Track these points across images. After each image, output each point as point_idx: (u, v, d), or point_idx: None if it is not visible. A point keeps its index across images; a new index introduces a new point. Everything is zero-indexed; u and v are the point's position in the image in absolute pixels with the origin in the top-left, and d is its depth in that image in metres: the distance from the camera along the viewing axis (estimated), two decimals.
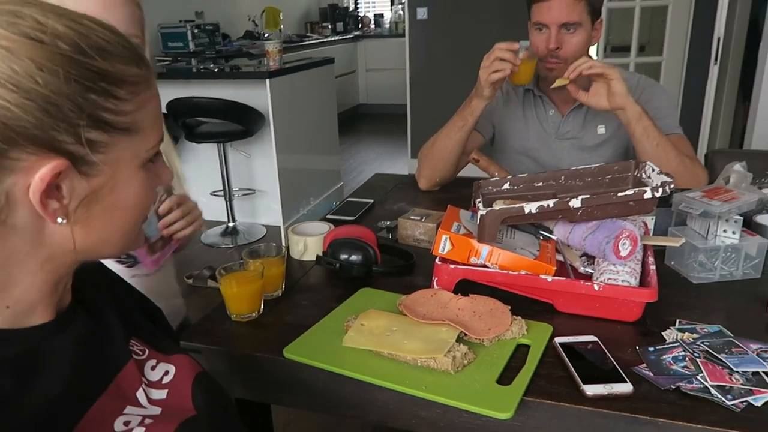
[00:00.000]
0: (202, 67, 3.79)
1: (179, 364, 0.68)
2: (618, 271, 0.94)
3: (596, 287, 0.92)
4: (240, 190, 3.65)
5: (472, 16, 4.23)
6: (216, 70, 3.59)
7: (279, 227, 3.60)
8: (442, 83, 4.40)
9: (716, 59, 3.33)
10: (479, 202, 1.02)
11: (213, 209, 3.60)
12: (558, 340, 0.87)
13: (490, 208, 0.97)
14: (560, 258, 1.06)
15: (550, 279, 0.95)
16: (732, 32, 3.74)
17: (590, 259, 1.06)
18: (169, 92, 3.20)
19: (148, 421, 0.58)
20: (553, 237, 1.06)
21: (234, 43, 5.21)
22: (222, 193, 3.54)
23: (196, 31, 4.57)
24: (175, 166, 1.16)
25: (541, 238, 1.07)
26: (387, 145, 5.87)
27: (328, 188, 4.13)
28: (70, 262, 0.56)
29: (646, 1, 3.89)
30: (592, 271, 1.02)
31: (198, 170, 3.62)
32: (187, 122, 3.29)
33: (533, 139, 1.65)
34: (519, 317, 0.91)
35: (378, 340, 0.85)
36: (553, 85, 1.42)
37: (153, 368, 0.66)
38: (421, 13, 4.37)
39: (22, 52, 0.47)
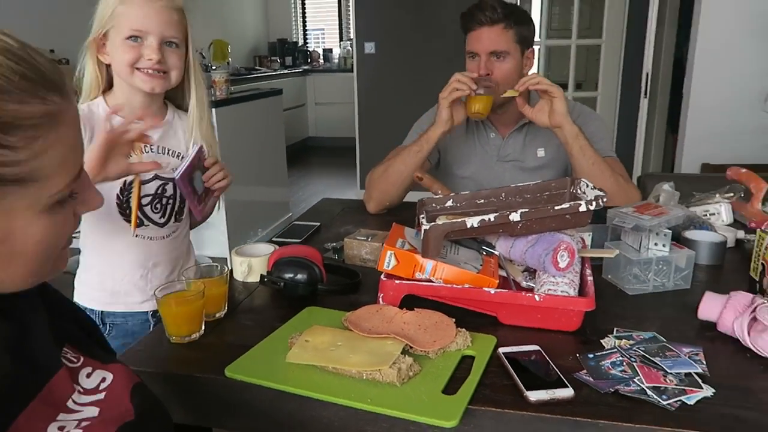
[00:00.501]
0: None
1: (117, 372, 0.65)
2: (557, 282, 0.97)
3: (537, 298, 0.94)
4: None
5: (418, 50, 4.36)
6: None
7: (226, 258, 3.52)
8: (389, 115, 4.47)
9: (645, 93, 3.53)
10: (423, 218, 1.04)
11: None
12: (502, 350, 0.88)
13: (433, 223, 0.99)
14: (503, 273, 1.08)
15: (492, 291, 0.96)
16: (659, 68, 3.99)
17: (532, 273, 1.09)
18: None
19: (85, 423, 0.56)
20: (496, 252, 1.09)
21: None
22: None
23: None
24: (208, 135, 1.28)
25: (484, 253, 1.09)
26: (336, 176, 5.89)
27: (276, 219, 4.10)
28: None
29: (581, 40, 4.11)
30: (534, 285, 1.04)
31: None
32: None
33: (476, 163, 1.69)
34: (463, 329, 0.92)
35: (322, 355, 0.84)
36: (504, 95, 1.50)
37: (89, 375, 0.63)
38: (369, 47, 4.47)
39: None
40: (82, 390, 0.61)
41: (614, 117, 4.19)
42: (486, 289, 0.97)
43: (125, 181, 1.17)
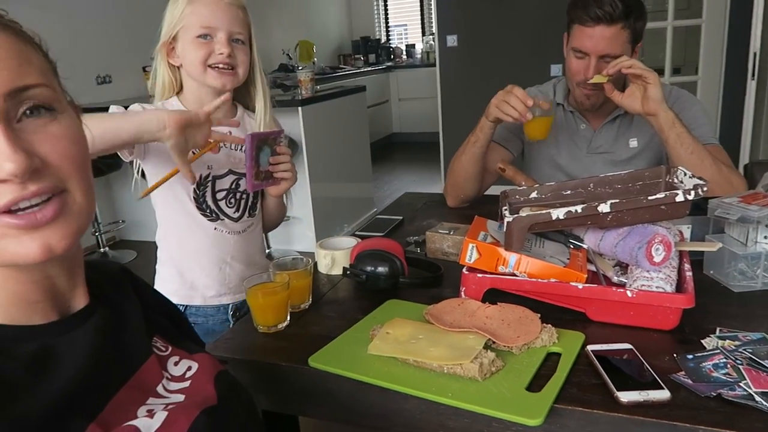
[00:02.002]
0: None
1: (202, 361, 0.69)
2: (652, 277, 0.91)
3: (629, 294, 0.89)
4: None
5: (501, 41, 4.26)
6: None
7: (313, 253, 3.61)
8: (473, 108, 4.38)
9: (753, 74, 3.25)
10: (506, 210, 1.01)
11: None
12: (591, 347, 0.84)
13: (516, 215, 0.96)
14: (592, 268, 1.03)
15: (580, 286, 0.92)
16: None
17: (624, 268, 1.03)
18: None
19: (171, 407, 0.59)
20: (584, 245, 1.04)
21: (269, 75, 5.34)
22: None
23: None
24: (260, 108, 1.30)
25: (572, 246, 1.04)
26: (420, 172, 5.88)
27: (361, 215, 4.15)
28: None
29: (679, 21, 3.85)
30: (626, 281, 0.99)
31: None
32: None
33: (564, 154, 1.63)
34: (549, 325, 0.88)
35: (403, 348, 0.84)
36: (591, 80, 1.41)
37: (176, 363, 0.67)
38: (451, 40, 4.43)
39: None
40: (170, 377, 0.65)
41: (717, 101, 3.89)
42: (573, 283, 0.93)
43: (200, 176, 1.22)
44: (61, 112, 0.54)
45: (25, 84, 0.50)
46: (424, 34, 7.60)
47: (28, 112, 0.51)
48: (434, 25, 4.57)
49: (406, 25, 7.83)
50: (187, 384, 0.65)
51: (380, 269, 1.07)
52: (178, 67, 1.23)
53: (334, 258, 1.20)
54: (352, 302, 1.09)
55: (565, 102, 1.62)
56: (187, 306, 1.28)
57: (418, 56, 7.48)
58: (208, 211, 1.26)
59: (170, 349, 0.68)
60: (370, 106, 6.37)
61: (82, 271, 0.62)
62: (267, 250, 3.63)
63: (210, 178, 1.25)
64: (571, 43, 1.48)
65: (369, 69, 6.79)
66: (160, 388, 0.63)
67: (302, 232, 3.69)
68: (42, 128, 0.52)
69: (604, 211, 0.93)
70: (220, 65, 1.18)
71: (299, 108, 3.26)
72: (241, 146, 1.27)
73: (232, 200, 1.29)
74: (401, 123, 7.38)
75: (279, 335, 0.97)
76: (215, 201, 1.26)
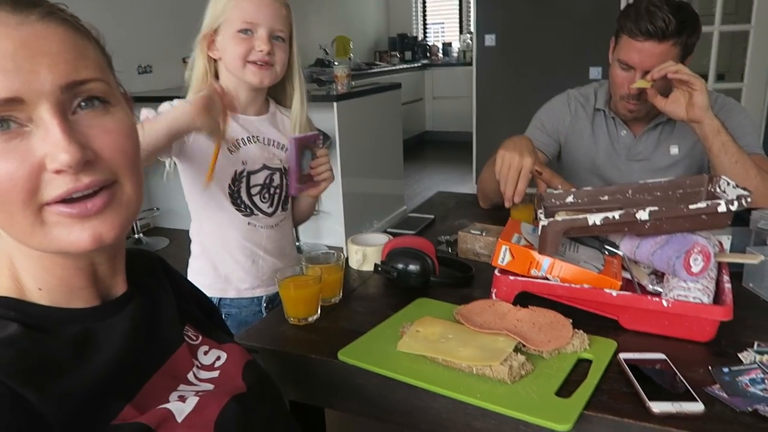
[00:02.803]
0: None
1: (231, 351, 0.70)
2: (689, 287, 0.89)
3: (665, 303, 0.87)
4: None
5: (540, 42, 4.20)
6: None
7: (342, 248, 3.64)
8: (508, 110, 4.37)
9: None
10: (541, 213, 1.00)
11: None
12: (623, 356, 0.82)
13: (552, 219, 0.95)
14: (627, 276, 1.01)
15: (614, 293, 0.91)
16: None
17: (659, 277, 1.01)
18: None
19: (201, 393, 0.60)
20: (619, 252, 1.02)
21: (305, 69, 5.38)
22: None
23: None
24: (308, 130, 1.31)
25: (606, 253, 1.03)
26: (452, 172, 5.86)
27: (391, 211, 4.16)
28: (28, 249, 0.54)
29: (726, 27, 3.74)
30: (662, 290, 0.97)
31: None
32: None
33: (602, 158, 1.60)
34: (581, 331, 0.87)
35: (433, 346, 0.84)
36: (634, 85, 1.38)
37: (206, 353, 0.69)
38: (489, 39, 4.39)
39: None
40: (200, 365, 0.66)
41: (763, 110, 3.78)
42: (607, 290, 0.91)
43: (236, 171, 1.24)
44: (115, 105, 0.56)
45: (82, 78, 0.52)
46: (461, 32, 7.56)
47: (83, 104, 0.52)
48: (472, 23, 4.54)
49: (443, 23, 7.79)
50: (216, 374, 0.67)
51: (411, 267, 1.07)
52: (216, 60, 1.24)
53: (366, 254, 1.21)
54: (382, 299, 1.10)
55: (606, 108, 1.59)
56: (221, 298, 1.30)
57: (455, 54, 7.44)
58: (242, 206, 1.27)
59: (201, 338, 0.70)
60: (404, 104, 6.36)
61: (123, 259, 0.64)
62: (296, 243, 3.67)
63: (245, 174, 1.26)
64: (617, 53, 1.44)
65: (404, 66, 6.79)
66: (190, 376, 0.64)
67: (332, 227, 3.71)
68: (96, 121, 0.53)
69: (642, 219, 0.92)
70: (259, 61, 1.18)
71: (334, 103, 3.28)
72: (274, 141, 1.29)
73: (266, 195, 1.30)
74: (434, 121, 7.36)
75: (309, 328, 0.99)
76: (249, 196, 1.28)
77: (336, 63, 5.95)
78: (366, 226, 3.86)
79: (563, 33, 4.05)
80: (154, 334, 0.64)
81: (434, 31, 7.88)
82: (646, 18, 1.34)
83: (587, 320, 0.92)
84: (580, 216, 0.94)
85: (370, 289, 1.15)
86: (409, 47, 7.38)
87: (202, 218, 1.31)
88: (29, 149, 0.49)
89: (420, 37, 7.79)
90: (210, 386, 0.64)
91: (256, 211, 1.29)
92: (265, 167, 1.28)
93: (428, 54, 7.57)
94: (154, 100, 1.29)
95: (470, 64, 4.75)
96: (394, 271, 1.08)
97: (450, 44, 7.58)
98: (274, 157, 1.29)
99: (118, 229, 0.55)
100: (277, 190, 1.31)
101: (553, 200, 1.10)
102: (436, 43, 7.72)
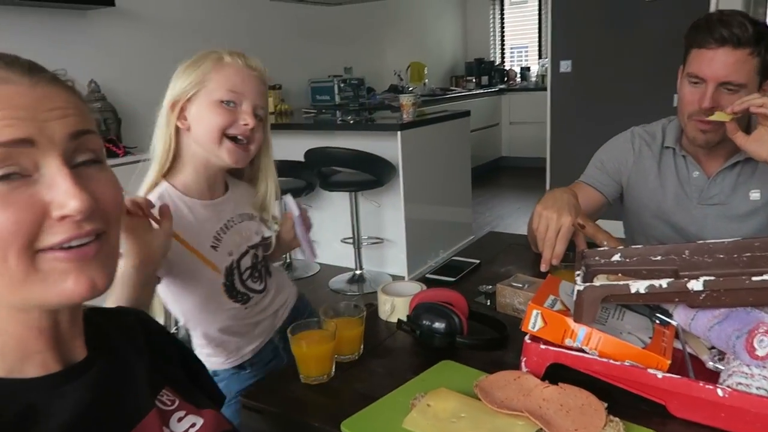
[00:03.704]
0: (340, 119, 3.96)
1: (208, 419, 0.66)
2: (752, 374, 0.76)
3: (720, 393, 0.74)
4: (369, 239, 3.70)
5: (618, 69, 3.99)
6: (352, 122, 3.73)
7: (404, 277, 3.57)
8: (582, 138, 4.16)
9: None
10: (579, 276, 0.89)
11: (342, 256, 3.70)
12: None
13: (589, 284, 0.84)
14: (679, 346, 0.88)
15: (660, 375, 0.78)
16: None
17: (722, 353, 0.87)
18: (309, 142, 3.37)
19: None
20: (673, 322, 0.89)
21: (378, 96, 5.41)
22: (351, 241, 3.61)
23: (342, 85, 4.82)
24: (269, 187, 1.25)
25: (657, 321, 0.90)
26: (525, 199, 5.66)
27: (458, 241, 4.05)
28: (27, 303, 0.53)
29: None
30: (724, 368, 0.83)
31: (330, 217, 3.74)
32: (322, 171, 3.43)
33: (670, 202, 1.45)
34: (617, 419, 0.76)
35: (441, 427, 0.75)
36: (711, 117, 1.23)
37: (180, 420, 0.65)
38: (565, 66, 4.23)
39: None
40: None
41: None
42: (652, 371, 0.79)
43: (225, 267, 1.15)
44: (105, 163, 0.58)
45: (86, 128, 0.56)
46: (540, 56, 7.37)
47: (84, 161, 0.55)
48: (548, 49, 4.40)
49: (527, 46, 7.64)
50: None
51: (436, 325, 0.99)
52: (181, 132, 1.11)
53: (395, 305, 1.14)
54: (405, 357, 1.02)
55: (677, 146, 1.44)
56: (241, 363, 1.23)
57: (533, 79, 7.26)
58: (239, 297, 1.18)
59: (177, 402, 0.66)
60: (479, 129, 6.26)
61: (81, 321, 0.61)
62: (359, 272, 3.64)
63: (234, 265, 1.17)
64: (686, 70, 1.30)
65: (480, 91, 6.68)
66: None
67: (395, 255, 3.66)
68: (95, 173, 0.56)
69: (695, 290, 0.79)
70: (240, 137, 1.10)
71: (398, 132, 3.24)
72: (243, 215, 1.21)
73: (256, 274, 1.22)
74: (510, 147, 7.18)
75: (320, 388, 0.93)
76: (243, 283, 1.19)
77: (410, 88, 5.96)
78: (431, 255, 3.78)
79: (643, 60, 3.82)
80: (118, 402, 0.60)
81: (516, 55, 7.73)
82: (718, 24, 1.20)
83: (629, 402, 0.81)
84: (621, 283, 0.82)
85: (395, 344, 1.08)
86: (486, 72, 7.27)
87: (197, 319, 1.18)
88: (33, 195, 0.50)
89: (497, 61, 7.66)
90: None
91: (251, 295, 1.21)
92: (248, 248, 1.20)
93: (506, 78, 7.43)
94: None
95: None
96: (417, 328, 1.00)
97: (528, 69, 7.40)
98: (251, 233, 1.21)
99: (108, 278, 0.56)
100: (261, 264, 1.23)
101: (596, 258, 0.98)
102: (513, 68, 7.57)
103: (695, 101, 1.28)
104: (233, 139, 1.10)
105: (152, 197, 1.06)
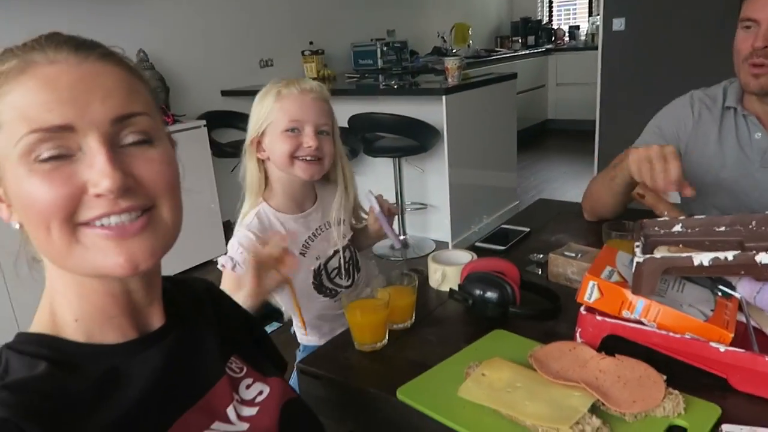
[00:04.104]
0: (384, 83, 3.93)
1: (274, 387, 0.68)
2: None
3: None
4: (412, 204, 3.70)
5: (673, 27, 3.78)
6: (396, 86, 3.69)
7: (448, 243, 3.57)
8: (635, 100, 4.01)
9: None
10: (638, 247, 0.87)
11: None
12: (726, 427, 0.69)
13: (649, 255, 0.82)
14: (743, 319, 0.86)
15: (722, 349, 0.77)
16: None
17: None
18: (353, 107, 3.36)
19: None
20: (736, 294, 0.87)
21: (421, 59, 5.32)
22: (395, 206, 3.62)
23: (384, 48, 4.76)
24: (348, 190, 1.37)
25: (719, 294, 0.88)
26: (573, 163, 5.53)
27: (502, 206, 4.01)
28: (67, 277, 0.57)
29: None
30: None
31: (374, 183, 3.74)
32: (366, 136, 3.42)
33: (731, 168, 1.39)
34: (676, 392, 0.75)
35: (496, 396, 0.76)
36: None
37: (248, 387, 0.68)
38: (618, 24, 4.04)
39: None
40: (239, 400, 0.64)
41: None
42: (714, 344, 0.78)
43: (314, 269, 1.32)
44: (158, 140, 0.58)
45: (131, 111, 0.55)
46: (590, 14, 7.08)
47: (131, 141, 0.56)
48: (600, 5, 4.21)
49: (576, 3, 7.34)
50: (254, 411, 0.65)
51: (489, 295, 0.99)
52: (264, 161, 1.29)
53: (445, 274, 1.14)
54: (457, 326, 1.03)
55: (738, 105, 1.37)
56: None
57: (582, 38, 6.99)
58: (327, 292, 1.35)
59: (245, 370, 0.69)
60: (525, 91, 6.10)
61: (159, 290, 0.64)
62: (402, 237, 3.65)
63: (322, 267, 1.34)
64: (739, 18, 1.27)
65: (526, 52, 6.49)
66: (230, 411, 0.63)
67: (439, 221, 3.65)
68: (140, 152, 0.56)
69: (763, 262, 0.76)
70: (308, 157, 1.23)
71: (443, 97, 3.19)
72: (331, 222, 1.36)
73: (343, 273, 1.38)
74: (557, 109, 6.98)
75: (374, 356, 0.94)
76: (331, 281, 1.36)
77: (454, 50, 5.83)
78: (475, 221, 3.75)
79: (703, 18, 3.62)
80: (192, 369, 0.63)
81: (564, 12, 7.44)
82: None
83: (689, 376, 0.79)
84: (684, 254, 0.80)
85: (446, 312, 1.08)
86: (533, 31, 7.04)
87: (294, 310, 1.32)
88: (74, 173, 0.53)
89: (545, 20, 7.40)
90: (245, 426, 0.63)
91: (339, 290, 1.37)
92: (334, 252, 1.35)
93: (553, 38, 7.18)
94: None
95: (597, 48, 4.42)
96: (469, 298, 1.00)
97: (578, 27, 7.12)
98: (337, 237, 1.35)
99: (154, 257, 0.57)
100: (351, 262, 1.39)
101: (656, 229, 0.95)
102: (561, 27, 7.30)
103: (748, 43, 1.24)
104: (303, 158, 1.24)
105: (250, 216, 1.27)
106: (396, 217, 1.39)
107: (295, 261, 1.07)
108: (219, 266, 1.21)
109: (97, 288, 0.58)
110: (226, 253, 1.23)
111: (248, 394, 0.67)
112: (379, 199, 1.33)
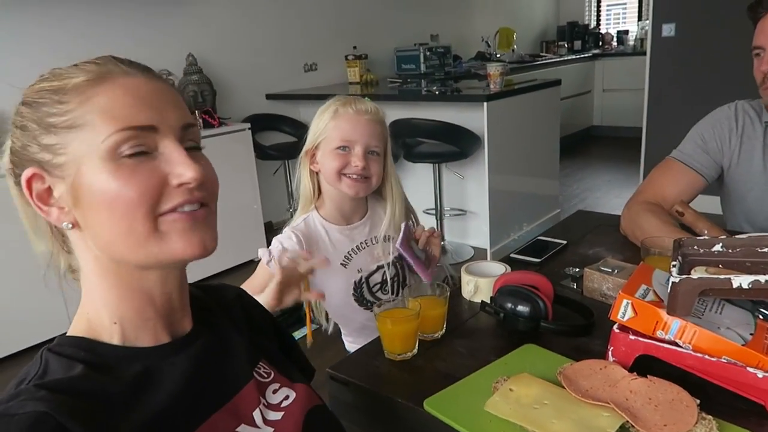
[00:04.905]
0: (425, 89, 3.93)
1: (300, 393, 0.70)
2: None
3: None
4: (451, 210, 3.69)
5: (725, 34, 3.66)
6: (437, 92, 3.69)
7: (486, 250, 3.55)
8: (683, 108, 3.89)
9: None
10: (675, 266, 0.85)
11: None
12: None
13: (686, 276, 0.80)
14: None
15: (761, 375, 0.75)
16: None
17: None
18: (394, 113, 3.37)
19: None
20: None
21: (464, 64, 5.30)
22: (434, 212, 3.61)
23: (428, 53, 4.76)
24: (405, 218, 1.39)
25: (760, 317, 0.85)
26: (617, 172, 5.41)
27: (543, 214, 3.95)
28: (129, 271, 0.61)
29: None
30: None
31: (413, 188, 3.74)
32: (407, 142, 3.44)
33: None
34: (710, 417, 0.73)
35: (523, 413, 0.76)
36: None
37: (275, 391, 0.70)
38: (667, 29, 3.94)
39: None
40: (266, 404, 0.67)
41: None
42: (752, 370, 0.75)
43: (354, 281, 1.35)
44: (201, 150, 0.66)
45: (192, 122, 0.64)
46: (640, 18, 6.91)
47: (189, 147, 0.63)
48: (650, 10, 4.11)
49: (625, 4, 7.18)
50: (279, 416, 0.67)
51: (520, 308, 0.99)
52: (317, 173, 1.35)
53: (478, 285, 1.14)
54: (487, 339, 1.03)
55: None
56: None
57: (630, 43, 6.82)
58: (368, 305, 1.38)
59: (273, 375, 0.71)
60: (570, 97, 6.00)
61: (188, 295, 0.67)
62: (441, 243, 3.65)
63: (363, 280, 1.37)
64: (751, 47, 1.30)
65: (572, 57, 6.38)
66: (257, 414, 0.65)
67: (478, 227, 3.63)
68: (199, 156, 0.65)
69: None
70: (354, 175, 1.28)
71: (484, 104, 3.17)
72: (378, 238, 1.39)
73: (386, 288, 1.40)
74: (603, 115, 6.84)
75: (404, 365, 0.95)
76: (372, 294, 1.39)
77: (498, 55, 5.79)
78: (515, 229, 3.72)
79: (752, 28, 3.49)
80: (220, 372, 0.65)
81: (614, 15, 7.28)
82: None
83: (724, 400, 0.78)
84: (723, 276, 0.78)
85: (478, 324, 1.08)
86: (580, 36, 6.91)
87: (338, 318, 1.43)
88: (155, 168, 0.59)
89: (592, 24, 7.26)
90: (270, 430, 0.65)
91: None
92: (378, 268, 1.38)
93: (600, 43, 7.04)
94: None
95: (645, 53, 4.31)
96: (501, 311, 1.00)
97: (626, 32, 6.96)
98: (383, 252, 1.38)
99: (215, 241, 0.63)
100: (396, 278, 1.40)
101: (695, 248, 0.93)
102: (610, 31, 7.15)
103: (758, 71, 1.27)
104: (350, 176, 1.29)
105: (299, 220, 1.35)
106: (436, 243, 1.37)
107: (325, 262, 1.13)
108: (258, 256, 1.27)
109: (139, 289, 0.62)
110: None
111: (274, 399, 0.69)
112: (407, 230, 1.30)
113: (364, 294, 1.38)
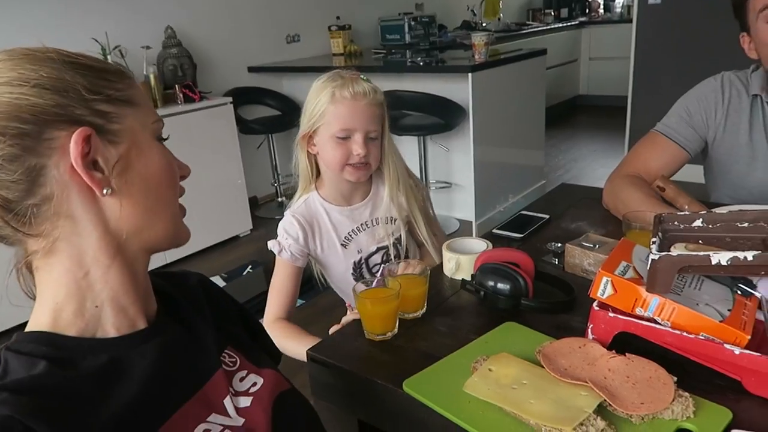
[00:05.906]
0: (410, 60, 3.87)
1: (267, 378, 0.69)
2: None
3: None
4: (437, 183, 3.68)
5: (713, 2, 3.63)
6: (422, 63, 3.64)
7: (472, 222, 3.55)
8: (669, 77, 3.88)
9: None
10: (654, 243, 0.85)
11: None
12: None
13: (665, 253, 0.80)
14: (762, 318, 0.83)
15: (737, 351, 0.75)
16: None
17: None
18: (378, 84, 3.31)
19: (227, 431, 0.60)
20: (756, 293, 0.84)
21: (449, 34, 5.23)
22: None
23: (412, 23, 4.68)
24: (408, 198, 1.38)
25: (738, 293, 0.85)
26: (603, 141, 5.41)
27: (528, 185, 3.95)
28: (135, 250, 0.60)
29: None
30: None
31: None
32: (392, 114, 3.39)
33: (762, 163, 1.33)
34: (687, 394, 0.73)
35: (502, 393, 0.76)
36: None
37: (242, 379, 0.69)
38: None
39: (21, 62, 0.55)
40: (233, 392, 0.66)
41: None
42: (728, 346, 0.75)
43: (354, 261, 1.38)
44: None
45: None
46: None
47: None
48: None
49: None
50: (248, 401, 0.66)
51: (500, 286, 0.98)
52: (315, 155, 1.34)
53: (459, 262, 1.13)
54: (469, 317, 1.02)
55: (763, 92, 1.32)
56: None
57: (618, 10, 6.76)
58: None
59: (239, 362, 0.70)
60: (556, 66, 5.95)
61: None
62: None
63: (362, 261, 1.39)
64: (758, 6, 1.21)
65: (559, 25, 6.31)
66: (227, 402, 0.65)
67: (464, 200, 3.63)
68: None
69: None
70: (357, 164, 1.27)
71: (469, 74, 3.13)
72: (380, 219, 1.39)
73: None
74: (589, 84, 6.81)
75: (384, 345, 0.95)
76: (372, 275, 1.40)
77: (484, 24, 5.71)
78: (500, 200, 3.72)
79: None
80: (188, 361, 0.64)
81: None
82: None
83: (701, 376, 0.78)
84: (701, 253, 0.78)
85: (459, 302, 1.08)
86: (566, 3, 6.84)
87: (343, 295, 1.48)
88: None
89: None
90: (241, 421, 0.64)
91: None
92: (378, 249, 1.39)
93: (587, 10, 6.96)
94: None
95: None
96: (481, 289, 0.99)
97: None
98: (384, 234, 1.38)
99: None
100: (396, 260, 1.38)
101: (675, 223, 0.93)
102: None
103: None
104: (352, 164, 1.29)
105: (299, 202, 1.36)
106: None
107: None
108: (269, 248, 1.31)
109: (133, 270, 0.61)
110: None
111: (242, 387, 0.68)
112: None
113: (363, 274, 1.40)
